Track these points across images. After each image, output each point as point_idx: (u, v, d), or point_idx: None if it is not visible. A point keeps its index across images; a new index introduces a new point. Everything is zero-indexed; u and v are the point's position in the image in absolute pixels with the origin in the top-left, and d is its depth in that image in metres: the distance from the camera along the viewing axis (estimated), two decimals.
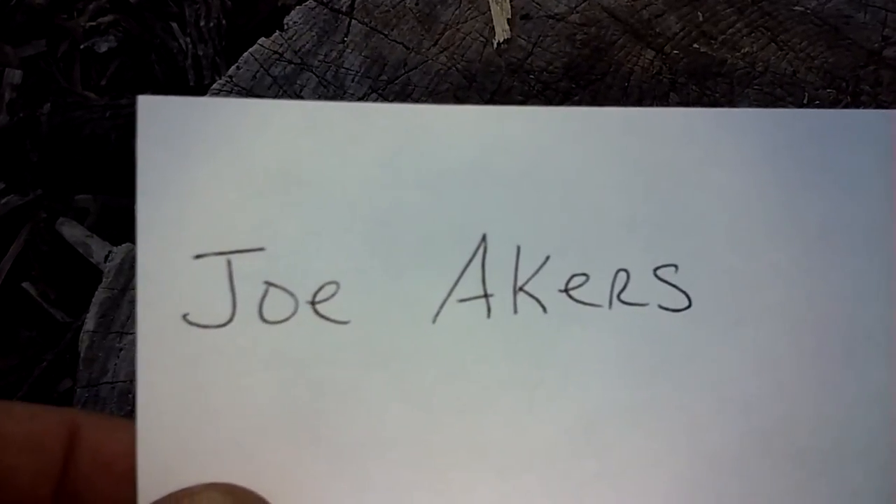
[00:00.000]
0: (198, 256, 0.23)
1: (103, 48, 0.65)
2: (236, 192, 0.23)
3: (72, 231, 0.59)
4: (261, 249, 0.23)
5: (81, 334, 0.30)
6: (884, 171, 0.26)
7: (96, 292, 0.31)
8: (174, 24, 0.65)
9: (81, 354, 0.30)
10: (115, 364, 0.31)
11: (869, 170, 0.26)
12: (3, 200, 0.59)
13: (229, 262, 0.23)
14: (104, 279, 0.31)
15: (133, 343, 0.31)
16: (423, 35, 0.33)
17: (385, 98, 0.33)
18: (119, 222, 0.60)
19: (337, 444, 0.23)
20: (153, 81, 0.65)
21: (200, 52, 0.63)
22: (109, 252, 0.31)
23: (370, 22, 0.33)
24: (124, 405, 0.30)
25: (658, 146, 0.25)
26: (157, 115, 0.22)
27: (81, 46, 0.65)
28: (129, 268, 0.31)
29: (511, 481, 0.24)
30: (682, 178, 0.25)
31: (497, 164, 0.24)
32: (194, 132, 0.23)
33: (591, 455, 0.25)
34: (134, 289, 0.31)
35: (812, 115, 0.27)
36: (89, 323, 0.30)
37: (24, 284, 0.58)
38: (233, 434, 0.23)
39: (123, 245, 0.31)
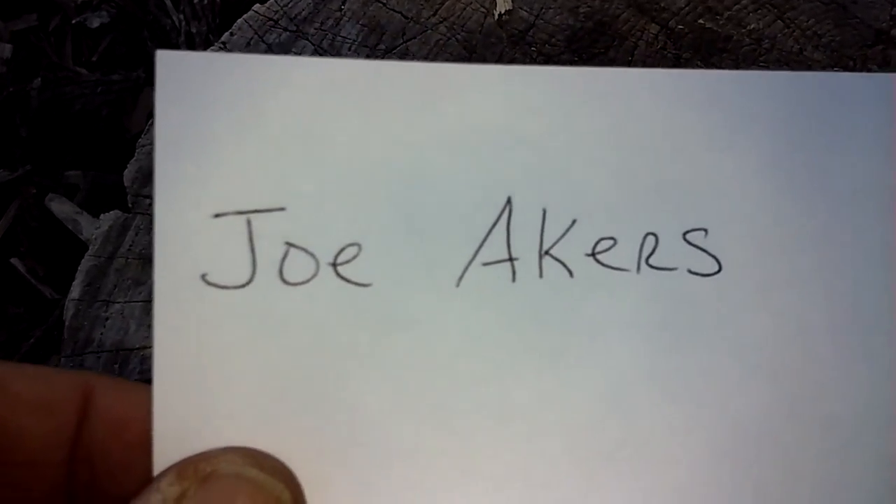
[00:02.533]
0: (217, 215, 0.22)
1: (95, 24, 0.64)
2: (256, 151, 0.22)
3: (61, 207, 0.58)
4: (281, 209, 0.22)
5: (66, 302, 0.29)
6: None
7: (82, 260, 0.30)
8: (167, 1, 0.64)
9: (66, 323, 0.29)
10: (101, 333, 0.30)
11: (893, 133, 0.26)
12: None
13: (249, 222, 0.22)
14: (91, 247, 0.30)
15: (120, 312, 0.30)
16: (422, 4, 0.32)
17: None
18: (109, 198, 0.59)
19: (357, 408, 0.23)
20: (146, 58, 0.64)
21: (194, 30, 0.62)
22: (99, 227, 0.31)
23: None
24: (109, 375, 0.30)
25: (686, 108, 0.25)
26: (176, 70, 0.22)
27: (73, 21, 0.64)
28: (116, 236, 0.31)
29: (536, 448, 0.24)
30: (711, 140, 0.25)
31: (523, 125, 0.24)
32: (214, 88, 0.22)
33: (617, 422, 0.24)
34: (122, 257, 0.31)
35: (844, 78, 0.26)
36: (74, 291, 0.30)
37: (13, 260, 0.57)
38: (252, 397, 0.22)
39: (111, 212, 0.30)
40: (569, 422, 0.24)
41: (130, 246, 0.31)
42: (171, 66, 0.22)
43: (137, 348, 0.30)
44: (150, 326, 0.30)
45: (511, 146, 0.24)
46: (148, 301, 0.30)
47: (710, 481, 0.25)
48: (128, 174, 0.31)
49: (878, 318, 0.25)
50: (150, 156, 0.32)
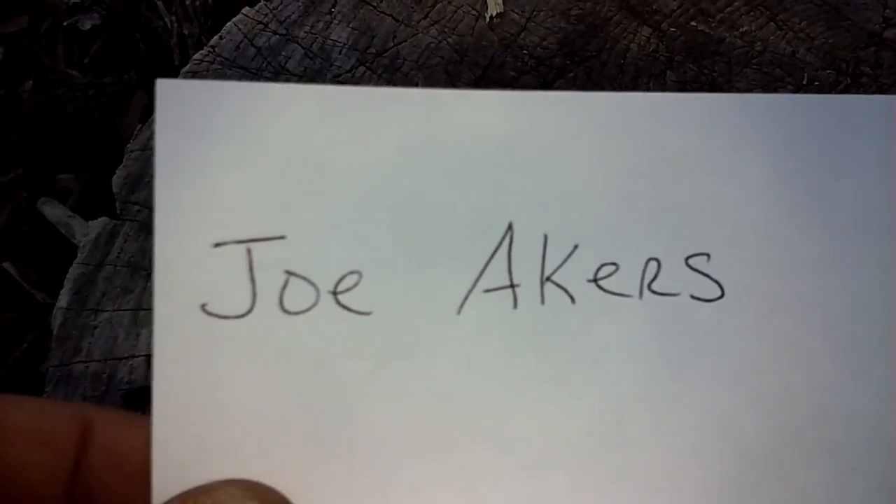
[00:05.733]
0: (217, 245, 0.22)
1: (87, 25, 0.64)
2: (256, 179, 0.22)
3: (53, 211, 0.58)
4: (281, 238, 0.23)
5: (54, 311, 0.29)
6: None
7: (71, 268, 0.30)
8: (159, 2, 0.64)
9: (54, 332, 0.29)
10: (90, 343, 0.30)
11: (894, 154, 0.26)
12: None
13: (249, 251, 0.22)
14: (79, 254, 0.30)
15: (108, 321, 0.30)
16: (413, 7, 0.32)
17: (373, 71, 0.32)
18: (101, 202, 0.59)
19: (358, 438, 0.23)
20: (138, 60, 0.63)
21: (186, 31, 0.62)
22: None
23: None
24: (98, 385, 0.29)
25: (686, 132, 0.25)
26: (175, 99, 0.22)
27: (65, 23, 0.63)
28: (104, 243, 0.30)
29: (538, 477, 0.24)
30: (712, 164, 0.25)
31: (523, 150, 0.24)
32: (213, 117, 0.22)
33: (620, 450, 0.24)
34: (110, 264, 0.31)
35: (844, 100, 0.26)
36: (63, 300, 0.29)
37: (5, 265, 0.57)
38: (251, 429, 0.22)
39: (100, 219, 0.30)
40: (571, 449, 0.24)
41: (119, 253, 0.30)
42: (170, 94, 0.22)
43: (126, 357, 0.30)
44: (138, 335, 0.30)
45: (511, 172, 0.24)
46: (136, 309, 0.30)
47: None
48: (116, 180, 0.31)
49: (881, 343, 0.25)
50: (138, 161, 0.31)
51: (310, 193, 0.23)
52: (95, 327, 0.30)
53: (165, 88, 0.22)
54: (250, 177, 0.22)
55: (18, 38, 0.62)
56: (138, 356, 0.30)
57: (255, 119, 0.22)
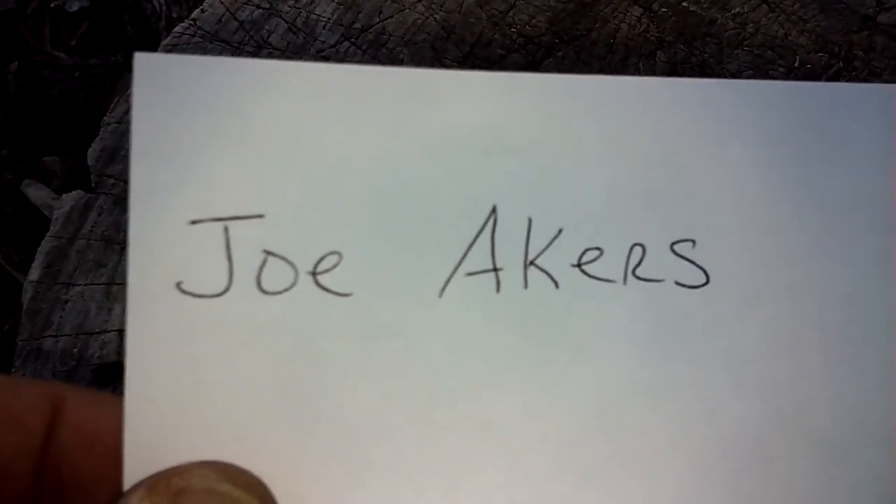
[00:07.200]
0: (193, 222, 0.22)
1: (74, 7, 0.63)
2: (235, 156, 0.22)
3: (37, 193, 0.58)
4: (260, 216, 0.22)
5: (25, 284, 0.28)
6: None
7: (42, 241, 0.29)
8: None
9: (24, 306, 0.28)
10: (60, 316, 0.29)
11: (891, 145, 0.25)
12: None
13: (226, 229, 0.22)
14: (51, 227, 0.29)
15: (80, 295, 0.29)
16: None
17: (357, 47, 0.31)
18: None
19: (336, 421, 0.22)
20: (125, 42, 0.63)
21: (174, 14, 0.61)
22: None
23: None
24: (68, 360, 0.29)
25: (675, 117, 0.24)
26: (154, 73, 0.21)
27: (52, 5, 0.63)
28: (77, 216, 0.30)
29: (520, 462, 0.23)
30: (699, 150, 0.24)
31: (509, 132, 0.23)
32: (193, 92, 0.22)
33: (603, 436, 0.24)
34: (83, 238, 0.30)
35: (835, 88, 0.26)
36: (34, 273, 0.29)
37: None
38: (227, 410, 0.22)
39: (73, 192, 0.30)
40: (554, 436, 0.24)
41: (93, 227, 0.30)
42: (149, 68, 0.21)
43: (97, 332, 0.29)
44: (110, 310, 0.29)
45: (496, 154, 0.23)
46: (109, 284, 0.30)
47: (699, 496, 0.24)
48: (92, 153, 0.30)
49: (870, 331, 0.25)
50: (114, 134, 0.31)
51: (290, 172, 0.22)
52: (67, 301, 0.29)
53: (144, 62, 0.21)
54: (229, 154, 0.22)
55: (5, 20, 0.62)
56: (110, 331, 0.29)
57: (236, 95, 0.22)
